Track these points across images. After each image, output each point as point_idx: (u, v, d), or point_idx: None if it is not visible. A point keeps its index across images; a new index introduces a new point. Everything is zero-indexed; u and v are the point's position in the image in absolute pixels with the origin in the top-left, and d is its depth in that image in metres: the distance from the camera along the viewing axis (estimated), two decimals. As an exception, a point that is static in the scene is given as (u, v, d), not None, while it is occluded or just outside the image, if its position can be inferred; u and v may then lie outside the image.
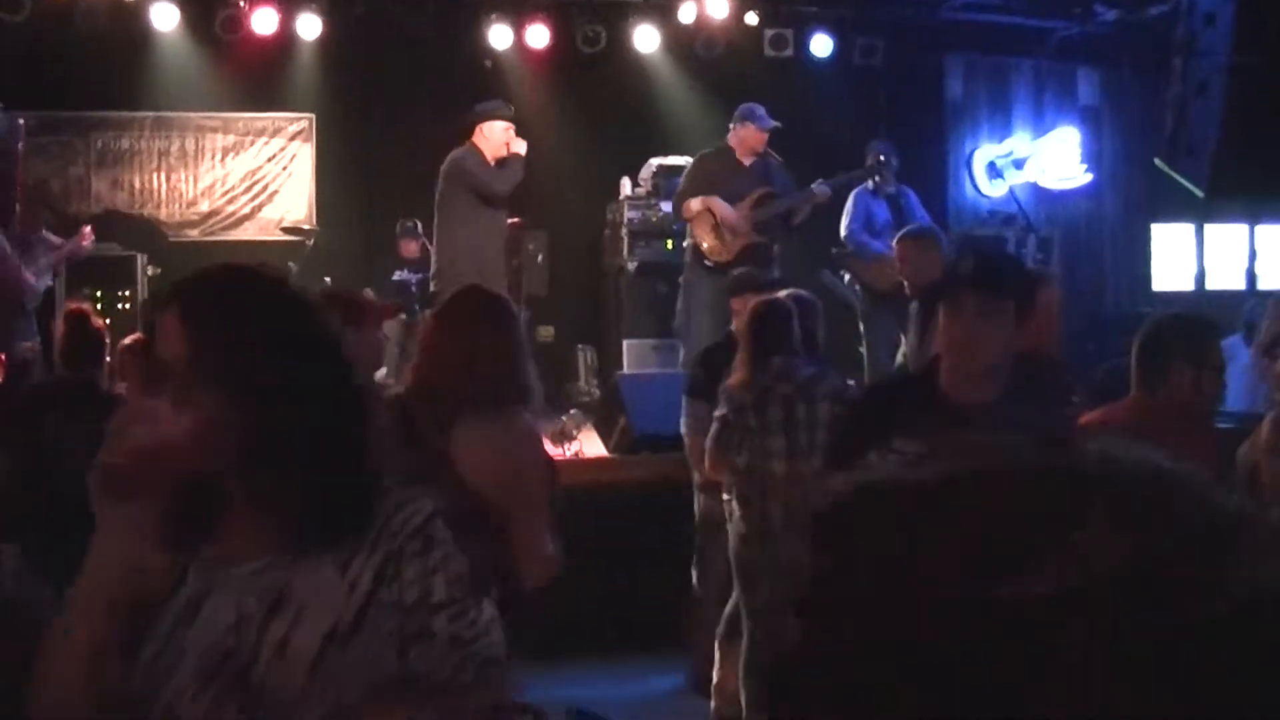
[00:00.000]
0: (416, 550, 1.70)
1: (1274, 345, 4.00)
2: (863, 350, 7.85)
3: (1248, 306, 8.60)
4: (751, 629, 4.88)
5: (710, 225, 7.73)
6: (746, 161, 7.87)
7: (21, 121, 7.96)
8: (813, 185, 7.81)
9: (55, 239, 7.84)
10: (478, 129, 7.65)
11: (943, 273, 3.22)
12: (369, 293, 8.82)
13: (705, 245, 7.73)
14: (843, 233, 8.17)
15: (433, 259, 8.00)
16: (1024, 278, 3.16)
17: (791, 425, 4.77)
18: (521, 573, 3.08)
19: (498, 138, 7.59)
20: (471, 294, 3.53)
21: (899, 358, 6.42)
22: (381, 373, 5.03)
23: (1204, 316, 3.95)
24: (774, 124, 7.85)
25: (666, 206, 9.01)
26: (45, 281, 7.51)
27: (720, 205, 7.69)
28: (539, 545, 3.14)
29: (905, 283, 5.95)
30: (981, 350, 2.95)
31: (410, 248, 9.63)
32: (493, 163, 7.60)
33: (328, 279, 8.68)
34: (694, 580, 5.82)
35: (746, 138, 7.84)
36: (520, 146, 7.61)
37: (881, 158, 8.23)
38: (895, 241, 6.19)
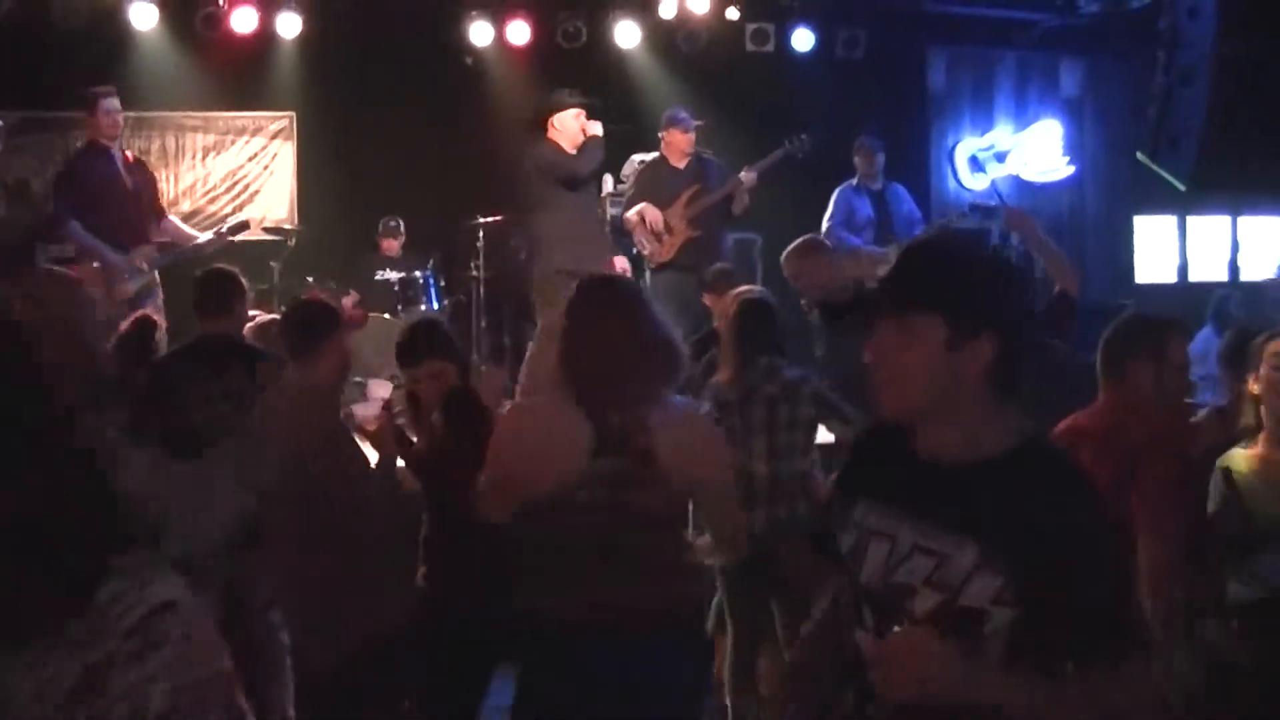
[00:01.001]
0: (133, 653, 1.42)
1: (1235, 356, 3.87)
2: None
3: (1217, 296, 8.54)
4: (734, 628, 4.88)
5: (647, 232, 8.01)
6: (680, 165, 8.13)
7: (1, 123, 7.93)
8: (740, 173, 7.97)
9: (189, 230, 7.98)
10: (549, 124, 7.54)
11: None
12: (353, 294, 8.86)
13: (646, 250, 8.04)
14: (823, 228, 8.24)
15: (530, 249, 7.91)
16: (964, 276, 2.03)
17: (774, 426, 4.75)
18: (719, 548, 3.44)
19: (571, 126, 7.49)
20: (608, 283, 3.24)
21: None
22: (384, 389, 4.88)
23: (1167, 316, 3.87)
24: (698, 124, 8.13)
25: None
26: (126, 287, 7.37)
27: (649, 211, 7.97)
28: (735, 519, 3.38)
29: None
30: (905, 390, 2.02)
31: (392, 246, 9.61)
32: (573, 151, 7.51)
33: (310, 279, 8.66)
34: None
35: (674, 142, 8.11)
36: (596, 128, 7.52)
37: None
38: (782, 259, 5.99)
